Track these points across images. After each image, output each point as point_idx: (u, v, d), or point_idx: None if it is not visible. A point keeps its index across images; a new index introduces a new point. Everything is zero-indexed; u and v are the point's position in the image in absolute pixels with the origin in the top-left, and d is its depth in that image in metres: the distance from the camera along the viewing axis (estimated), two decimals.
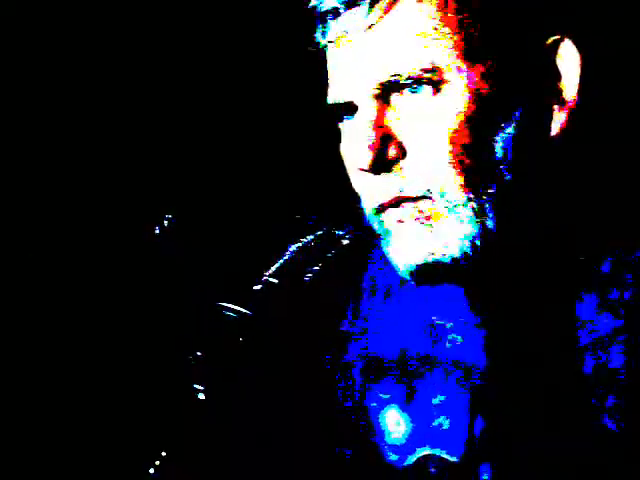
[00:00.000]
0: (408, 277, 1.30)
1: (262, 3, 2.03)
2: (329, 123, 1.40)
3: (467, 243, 1.27)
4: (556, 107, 1.30)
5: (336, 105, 1.32)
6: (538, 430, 1.30)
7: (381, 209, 1.29)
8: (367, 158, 1.26)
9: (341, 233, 1.36)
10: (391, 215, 1.29)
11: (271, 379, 1.45)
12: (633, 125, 1.43)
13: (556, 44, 1.29)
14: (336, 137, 1.38)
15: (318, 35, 1.31)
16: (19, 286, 2.03)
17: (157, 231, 1.47)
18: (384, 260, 1.39)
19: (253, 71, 2.08)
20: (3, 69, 2.05)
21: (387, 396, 1.42)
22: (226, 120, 2.08)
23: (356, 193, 1.33)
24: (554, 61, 1.29)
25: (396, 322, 1.44)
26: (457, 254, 1.27)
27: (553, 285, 1.33)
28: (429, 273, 1.29)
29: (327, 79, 1.34)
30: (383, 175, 1.27)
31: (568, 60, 1.29)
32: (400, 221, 1.28)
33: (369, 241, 1.43)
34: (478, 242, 1.27)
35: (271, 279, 1.31)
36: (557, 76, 1.29)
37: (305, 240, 1.34)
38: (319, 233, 1.35)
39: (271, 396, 1.47)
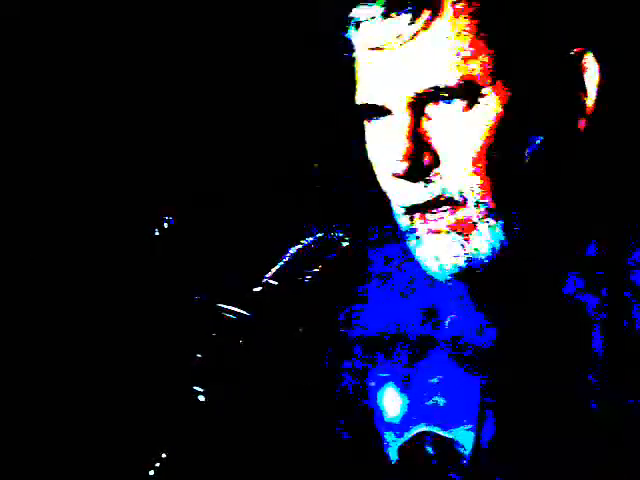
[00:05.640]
0: (439, 278, 1.34)
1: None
2: (330, 124, 1.40)
3: (497, 251, 1.32)
4: (577, 114, 1.35)
5: (366, 106, 1.34)
6: (535, 414, 1.33)
7: (414, 210, 1.33)
8: (403, 166, 1.30)
9: (340, 235, 1.36)
10: (426, 224, 1.33)
11: (271, 381, 1.45)
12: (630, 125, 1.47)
13: (578, 56, 1.34)
14: (337, 139, 1.39)
15: (353, 39, 1.34)
16: (20, 287, 2.03)
17: (157, 232, 1.47)
18: (383, 245, 1.42)
19: (254, 71, 2.08)
20: (3, 69, 2.05)
21: (386, 375, 1.44)
22: (227, 122, 2.08)
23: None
24: (577, 72, 1.34)
25: (396, 304, 1.47)
26: (486, 260, 1.32)
27: (545, 267, 1.37)
28: (458, 276, 1.33)
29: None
30: (418, 181, 1.31)
31: (589, 71, 1.34)
32: (436, 231, 1.32)
33: (368, 230, 1.46)
34: (506, 249, 1.32)
35: (271, 281, 1.31)
36: (579, 86, 1.34)
37: (305, 242, 1.35)
38: (318, 235, 1.36)
39: (271, 398, 1.47)
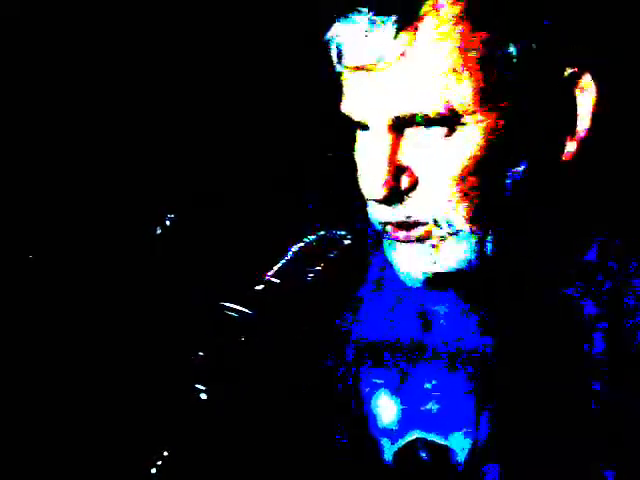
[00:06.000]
0: (408, 283, 1.33)
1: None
2: (331, 125, 1.40)
3: (465, 264, 1.30)
4: (567, 138, 1.30)
5: (348, 117, 1.32)
6: (534, 420, 1.32)
7: (387, 224, 1.32)
8: (380, 192, 1.27)
9: (342, 233, 1.37)
10: (398, 234, 1.31)
11: (272, 380, 1.45)
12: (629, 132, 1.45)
13: (573, 77, 1.29)
14: (337, 139, 1.39)
15: (334, 62, 1.31)
16: (20, 287, 2.03)
17: (158, 231, 1.47)
18: (378, 252, 1.42)
19: (254, 71, 2.08)
20: (3, 69, 2.05)
21: (379, 381, 1.43)
22: (228, 120, 2.08)
23: (360, 194, 1.35)
24: (570, 94, 1.29)
25: (389, 309, 1.46)
26: (455, 272, 1.30)
27: (541, 272, 1.36)
28: (428, 283, 1.32)
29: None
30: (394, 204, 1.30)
31: (584, 93, 1.29)
32: (406, 241, 1.31)
33: (366, 237, 1.45)
34: (475, 263, 1.30)
35: (273, 279, 1.31)
36: (571, 108, 1.29)
37: (306, 240, 1.35)
38: (320, 233, 1.36)
39: (272, 397, 1.47)
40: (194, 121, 2.08)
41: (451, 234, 1.28)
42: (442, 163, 1.26)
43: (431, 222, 1.28)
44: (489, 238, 1.29)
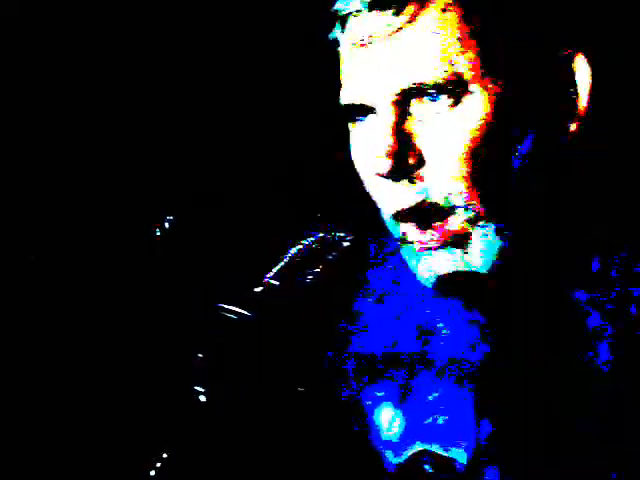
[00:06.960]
0: (432, 289, 1.32)
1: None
2: (331, 125, 1.40)
3: (491, 258, 1.29)
4: (568, 117, 1.31)
5: (350, 106, 1.32)
6: (536, 430, 1.32)
7: (401, 216, 1.30)
8: (386, 165, 1.27)
9: (341, 235, 1.36)
10: (421, 238, 1.30)
11: (271, 381, 1.45)
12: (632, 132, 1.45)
13: (570, 57, 1.31)
14: (338, 139, 1.38)
15: (338, 36, 1.31)
16: (20, 287, 2.03)
17: (158, 232, 1.47)
18: (380, 261, 1.41)
19: (253, 71, 2.08)
20: (3, 69, 2.05)
21: (381, 394, 1.43)
22: (228, 121, 2.08)
23: (365, 196, 1.34)
24: (568, 73, 1.31)
25: (390, 321, 1.45)
26: (482, 270, 1.30)
27: (545, 282, 1.35)
28: (453, 288, 1.31)
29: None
30: (402, 182, 1.28)
31: (581, 72, 1.31)
32: (432, 247, 1.30)
33: (367, 243, 1.44)
34: (500, 256, 1.30)
35: (272, 281, 1.31)
36: (570, 87, 1.31)
37: (306, 242, 1.35)
38: (320, 235, 1.35)
39: (270, 398, 1.47)
40: (194, 121, 2.08)
41: (471, 225, 1.27)
42: (449, 136, 1.26)
43: (444, 203, 1.27)
44: (508, 230, 1.29)
